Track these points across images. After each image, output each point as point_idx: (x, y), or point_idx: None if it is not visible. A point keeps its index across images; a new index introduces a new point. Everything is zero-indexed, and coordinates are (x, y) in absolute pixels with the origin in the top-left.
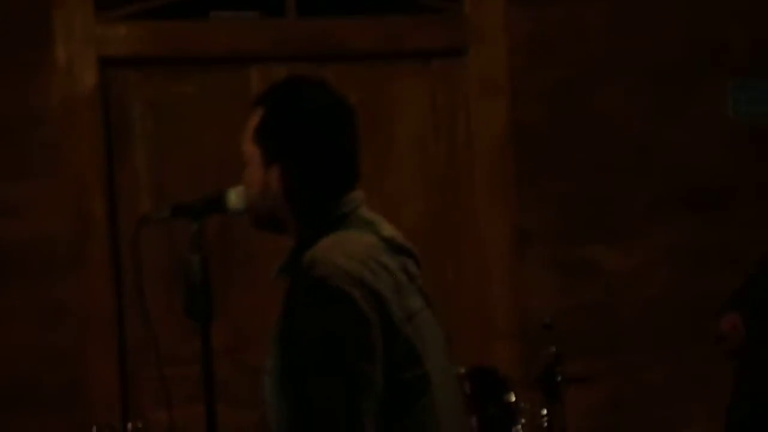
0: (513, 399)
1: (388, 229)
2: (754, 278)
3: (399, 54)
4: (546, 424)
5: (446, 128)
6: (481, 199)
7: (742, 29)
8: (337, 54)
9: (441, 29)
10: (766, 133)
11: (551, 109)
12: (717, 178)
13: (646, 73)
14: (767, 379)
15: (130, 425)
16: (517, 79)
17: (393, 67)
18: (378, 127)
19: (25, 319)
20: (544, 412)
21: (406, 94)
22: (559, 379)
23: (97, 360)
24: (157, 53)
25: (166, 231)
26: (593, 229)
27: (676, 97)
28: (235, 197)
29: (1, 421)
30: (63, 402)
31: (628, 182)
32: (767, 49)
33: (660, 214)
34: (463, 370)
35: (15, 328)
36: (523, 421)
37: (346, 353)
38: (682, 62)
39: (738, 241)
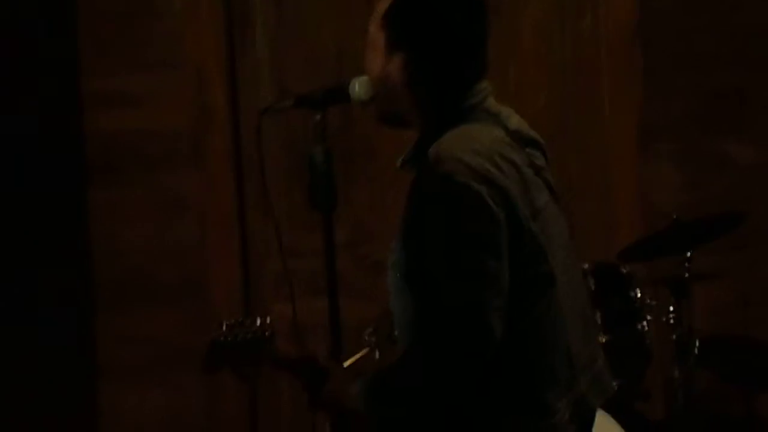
0: (638, 295)
1: (515, 121)
2: None
3: None
4: (673, 321)
5: (572, 18)
6: (607, 91)
7: None
8: None
9: None
10: None
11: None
12: None
13: None
14: None
15: (258, 320)
16: None
17: None
18: (503, 15)
19: (144, 212)
20: (671, 309)
21: None
22: (687, 275)
23: (218, 255)
24: None
25: (286, 123)
26: (722, 123)
27: None
28: (359, 87)
29: (118, 314)
30: (181, 297)
31: (760, 77)
32: None
33: None
34: (587, 266)
35: (133, 220)
36: (648, 317)
37: (474, 251)
38: None
39: None
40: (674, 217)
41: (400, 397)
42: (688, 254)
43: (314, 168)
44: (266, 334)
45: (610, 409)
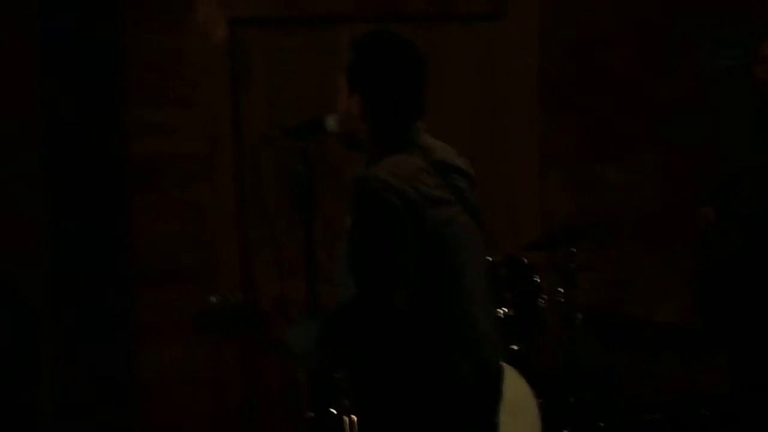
0: (537, 280)
1: (441, 153)
2: (725, 183)
3: (450, 17)
4: (561, 299)
5: (489, 75)
6: (513, 129)
7: None
8: (410, 16)
9: None
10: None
11: (570, 62)
12: (690, 115)
13: (639, 34)
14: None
15: (240, 297)
16: (545, 35)
17: (446, 27)
18: (436, 71)
19: (170, 214)
20: (561, 290)
21: (460, 47)
22: (572, 265)
23: (224, 246)
24: (273, 14)
25: (277, 149)
26: (600, 154)
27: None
28: (331, 121)
29: (151, 291)
30: (198, 278)
31: (629, 118)
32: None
33: (650, 142)
34: (500, 258)
35: (162, 221)
36: (545, 296)
37: (387, 247)
38: (666, 25)
39: (708, 163)
40: (563, 223)
41: (341, 342)
42: (573, 250)
43: (298, 182)
44: (246, 307)
45: (514, 364)
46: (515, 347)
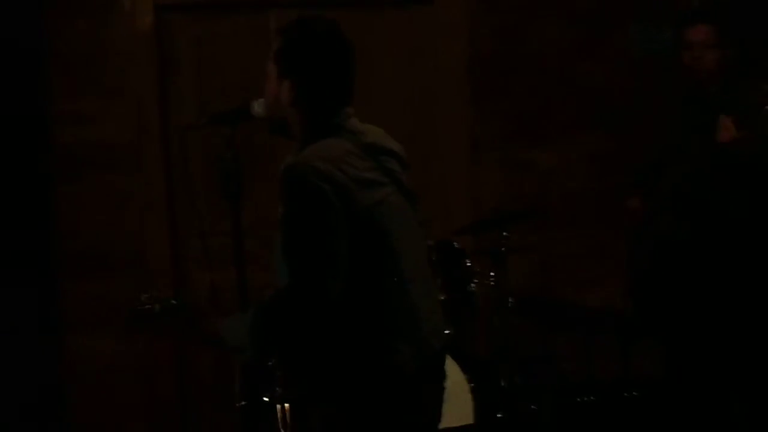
0: (468, 264)
1: (372, 137)
2: (647, 169)
3: (379, 2)
4: (493, 283)
5: (419, 61)
6: (444, 115)
7: None
8: (338, 2)
9: None
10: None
11: (500, 47)
12: (620, 100)
13: (569, 19)
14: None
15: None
16: (473, 21)
17: (375, 12)
18: (365, 57)
19: (98, 205)
20: (492, 274)
21: (389, 32)
22: (503, 249)
23: (153, 236)
24: (200, 0)
25: (204, 136)
26: (530, 137)
27: (593, 38)
28: (257, 106)
29: (79, 283)
30: (126, 269)
31: (559, 102)
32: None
33: (580, 127)
34: (431, 243)
35: (89, 211)
36: (476, 281)
37: (317, 233)
38: (596, 9)
39: (638, 148)
40: (494, 207)
41: (274, 332)
42: (504, 234)
43: (225, 169)
44: (175, 303)
45: (446, 350)
46: (447, 332)
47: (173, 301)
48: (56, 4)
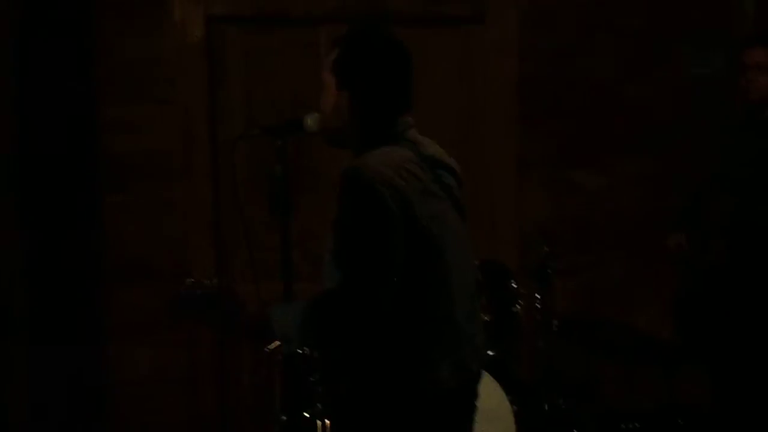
0: (514, 285)
1: (430, 149)
2: (694, 199)
3: (431, 19)
4: (538, 305)
5: (469, 78)
6: (492, 133)
7: None
8: (389, 19)
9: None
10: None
11: (550, 68)
12: (670, 122)
13: (620, 39)
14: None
15: (213, 282)
16: (524, 40)
17: (426, 29)
18: (416, 73)
19: (143, 213)
20: (538, 296)
21: (440, 50)
22: (549, 271)
23: (198, 246)
24: (250, 14)
25: (253, 148)
26: (577, 158)
27: (642, 59)
28: (310, 120)
29: (122, 291)
30: (171, 278)
31: (604, 124)
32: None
33: (629, 149)
34: (476, 262)
35: (134, 220)
36: (521, 302)
37: (373, 239)
38: (647, 30)
39: (685, 172)
40: (541, 228)
41: (323, 329)
42: (551, 255)
43: (275, 182)
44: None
45: (490, 372)
46: (491, 353)
47: (216, 286)
48: (108, 13)
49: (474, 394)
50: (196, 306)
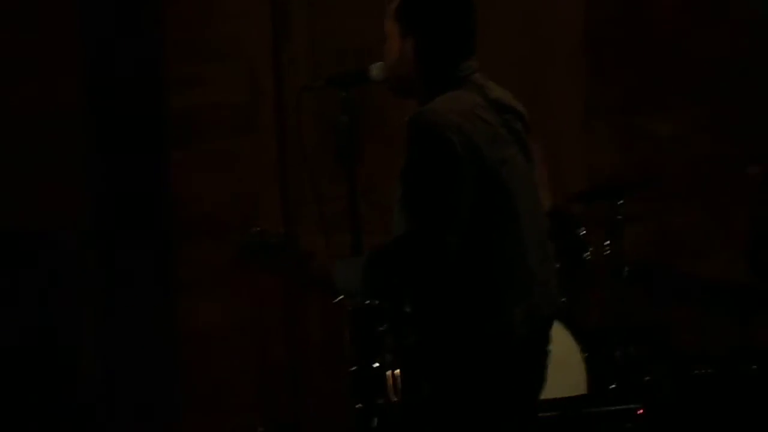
0: (583, 232)
1: (497, 92)
2: None
3: None
4: (608, 252)
5: (535, 24)
6: (559, 81)
7: None
8: None
9: None
10: None
11: (617, 13)
12: (739, 68)
13: None
14: None
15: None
16: None
17: None
18: (481, 19)
19: (210, 167)
20: (607, 243)
21: None
22: (619, 218)
23: (266, 199)
24: None
25: (318, 99)
26: (647, 105)
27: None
28: (376, 70)
29: (191, 245)
30: (238, 232)
31: (675, 70)
32: None
33: (698, 95)
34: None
35: (202, 174)
36: (591, 249)
37: (441, 184)
38: None
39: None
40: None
41: (389, 276)
42: (620, 202)
43: (341, 133)
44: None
45: (560, 319)
46: (561, 301)
47: (282, 235)
48: None
49: (547, 340)
50: (261, 253)
